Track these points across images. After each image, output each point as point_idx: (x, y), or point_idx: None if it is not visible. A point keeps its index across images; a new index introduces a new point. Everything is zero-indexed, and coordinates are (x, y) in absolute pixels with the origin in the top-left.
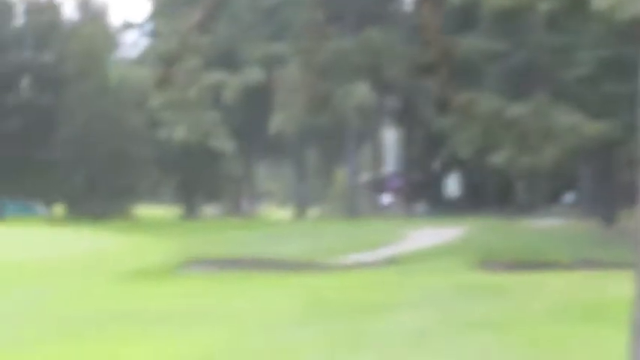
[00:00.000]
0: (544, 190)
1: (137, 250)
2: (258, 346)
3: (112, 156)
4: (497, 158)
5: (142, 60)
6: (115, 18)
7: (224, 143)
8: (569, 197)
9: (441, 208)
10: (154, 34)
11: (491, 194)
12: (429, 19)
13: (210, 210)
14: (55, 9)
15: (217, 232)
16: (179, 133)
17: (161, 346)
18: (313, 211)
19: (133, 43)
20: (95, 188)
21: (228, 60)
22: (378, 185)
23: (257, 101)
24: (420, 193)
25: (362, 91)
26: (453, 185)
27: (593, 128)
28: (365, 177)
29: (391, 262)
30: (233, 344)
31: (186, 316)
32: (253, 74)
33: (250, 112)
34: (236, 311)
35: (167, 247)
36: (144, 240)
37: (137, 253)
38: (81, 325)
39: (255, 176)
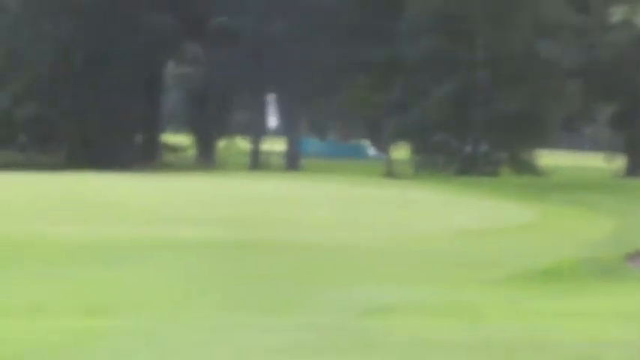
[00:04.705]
0: None
1: (549, 228)
2: None
3: (495, 60)
4: None
5: None
6: None
7: None
8: None
9: None
10: None
11: None
12: None
13: None
14: None
15: None
16: None
17: None
18: None
19: None
20: (465, 118)
21: None
22: None
23: None
24: None
25: None
26: None
27: None
28: None
29: None
30: None
31: None
32: None
33: None
34: None
35: (599, 226)
36: (558, 212)
37: (550, 234)
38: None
39: None
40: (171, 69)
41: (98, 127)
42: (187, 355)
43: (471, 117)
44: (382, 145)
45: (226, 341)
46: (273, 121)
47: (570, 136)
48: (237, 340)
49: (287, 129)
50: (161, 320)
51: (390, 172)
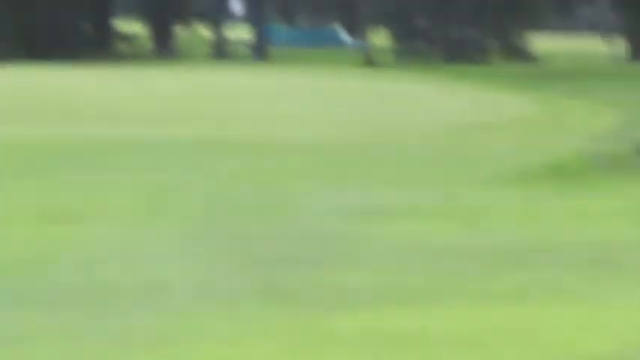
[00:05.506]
0: None
1: (549, 122)
2: None
3: None
4: None
5: None
6: None
7: None
8: None
9: None
10: None
11: None
12: None
13: None
14: None
15: None
16: None
17: None
18: None
19: None
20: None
21: None
22: None
23: None
24: None
25: None
26: None
27: None
28: None
29: None
30: None
31: None
32: None
33: None
34: None
35: (603, 118)
36: (557, 103)
37: (550, 127)
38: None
39: None
40: None
41: (39, 12)
42: (160, 263)
43: None
44: (358, 31)
45: (201, 250)
46: (236, 5)
47: (564, 17)
48: (216, 250)
49: (252, 14)
50: (131, 227)
51: (370, 61)
